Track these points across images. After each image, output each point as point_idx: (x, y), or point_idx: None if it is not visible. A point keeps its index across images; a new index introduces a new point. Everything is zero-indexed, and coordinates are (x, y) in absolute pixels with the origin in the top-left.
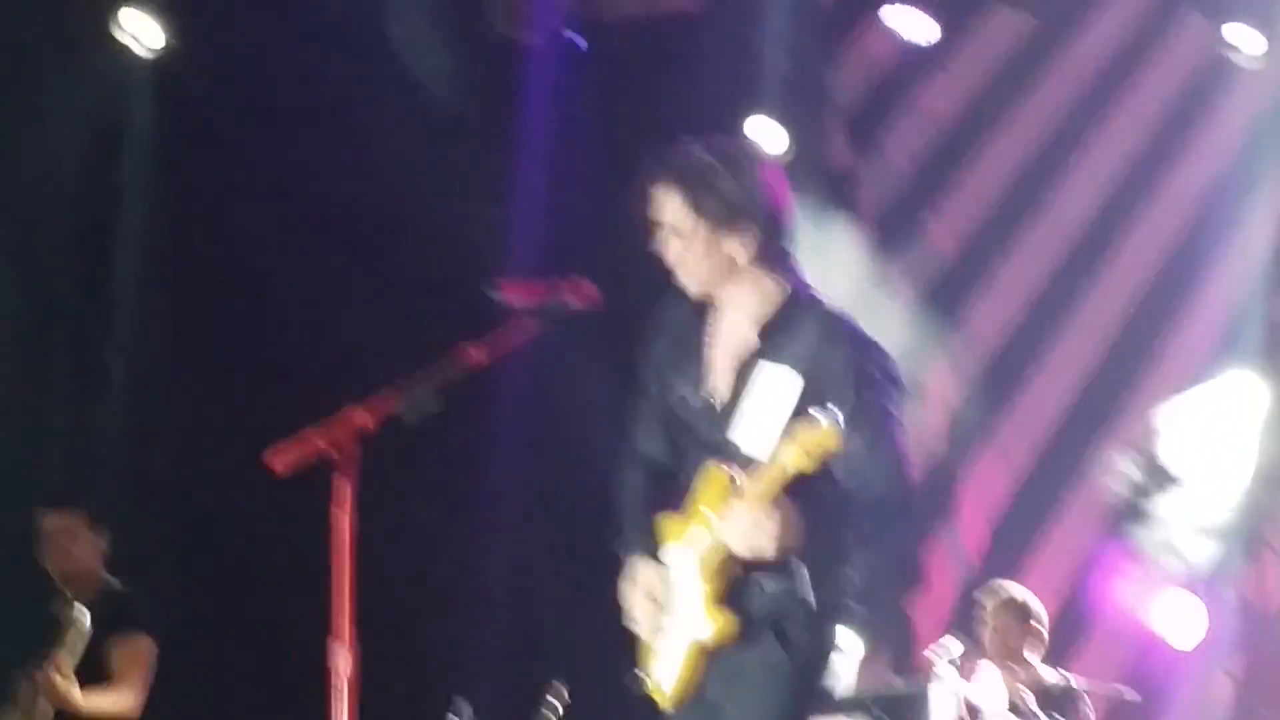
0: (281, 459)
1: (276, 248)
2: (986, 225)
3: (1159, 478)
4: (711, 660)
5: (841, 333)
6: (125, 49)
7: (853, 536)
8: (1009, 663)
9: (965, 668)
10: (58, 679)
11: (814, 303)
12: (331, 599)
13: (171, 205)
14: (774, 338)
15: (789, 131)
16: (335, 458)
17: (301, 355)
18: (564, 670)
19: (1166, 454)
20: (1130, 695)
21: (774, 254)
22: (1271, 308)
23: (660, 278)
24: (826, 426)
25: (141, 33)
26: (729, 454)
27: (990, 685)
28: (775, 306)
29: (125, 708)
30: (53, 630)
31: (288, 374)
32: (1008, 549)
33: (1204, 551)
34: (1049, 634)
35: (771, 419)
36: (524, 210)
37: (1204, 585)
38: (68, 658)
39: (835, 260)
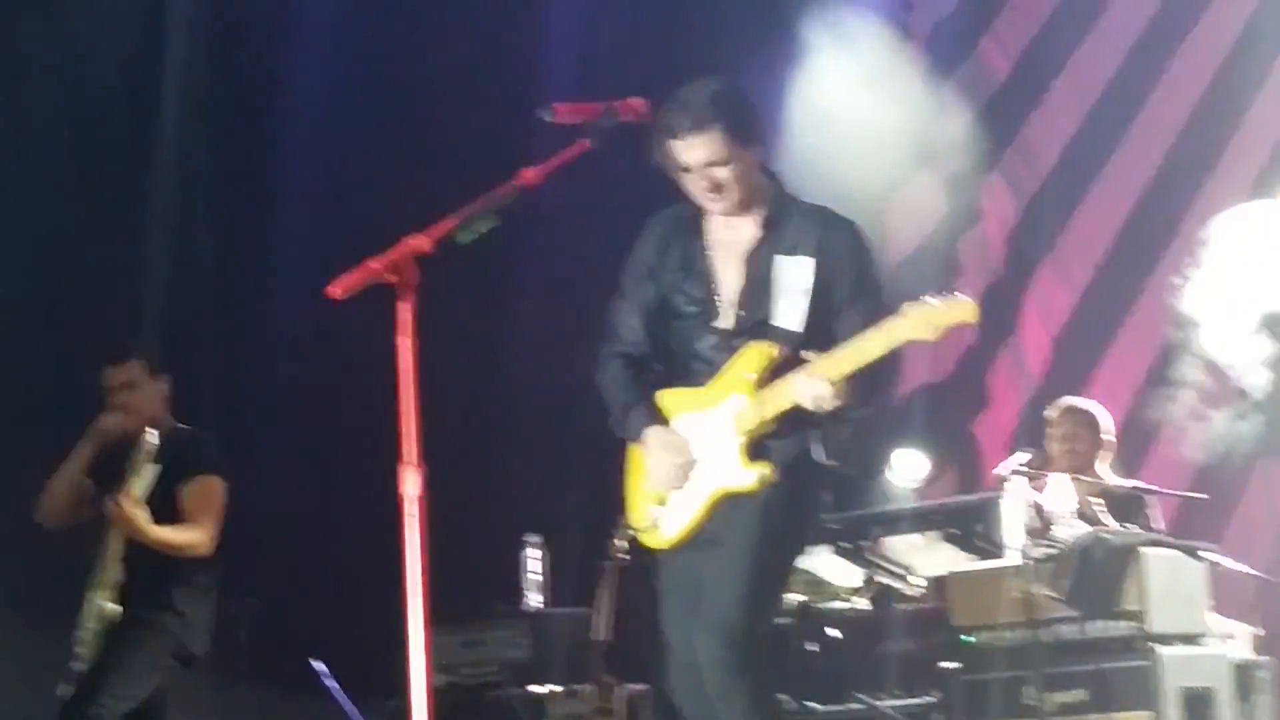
0: (340, 286)
1: (328, 91)
2: (1038, 41)
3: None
4: (721, 503)
5: (836, 221)
6: None
7: (874, 399)
8: (1077, 473)
9: (1034, 479)
10: (127, 504)
11: (796, 198)
12: (399, 424)
13: (217, 40)
14: (778, 231)
15: None
16: (394, 282)
17: (360, 193)
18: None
19: (1221, 270)
20: (1197, 496)
21: (766, 157)
22: None
23: None
24: (965, 303)
25: None
26: (760, 334)
27: (1059, 494)
28: (770, 202)
29: (197, 541)
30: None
31: (348, 211)
32: (1071, 364)
33: (1261, 365)
34: (1116, 443)
35: (798, 299)
36: (568, 34)
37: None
38: (138, 482)
39: (888, 82)
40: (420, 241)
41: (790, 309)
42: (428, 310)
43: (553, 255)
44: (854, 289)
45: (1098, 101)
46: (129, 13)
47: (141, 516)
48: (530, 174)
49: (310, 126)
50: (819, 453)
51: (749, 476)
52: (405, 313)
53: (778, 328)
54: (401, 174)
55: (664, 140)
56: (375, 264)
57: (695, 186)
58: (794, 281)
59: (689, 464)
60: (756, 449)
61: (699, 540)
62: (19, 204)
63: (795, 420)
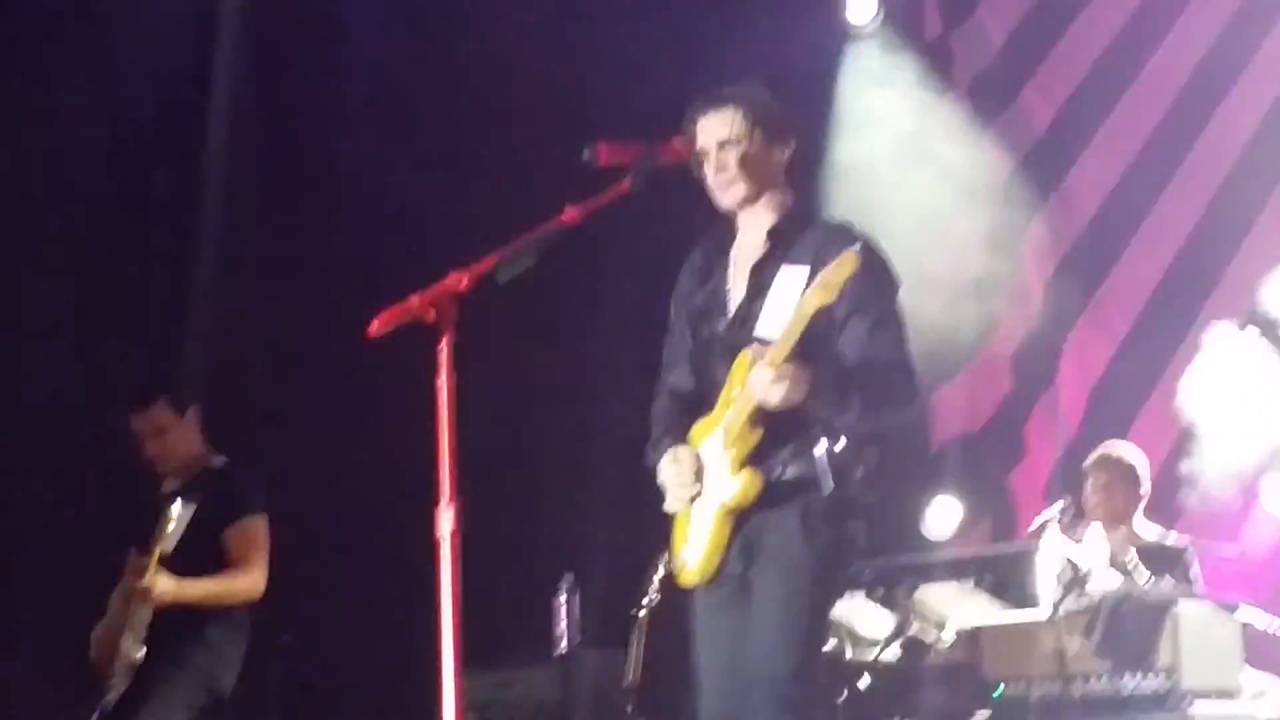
0: (378, 323)
1: (369, 126)
2: (1082, 91)
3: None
4: (736, 529)
5: (841, 233)
6: None
7: (860, 400)
8: (1114, 522)
9: (1070, 529)
10: (154, 586)
11: (816, 213)
12: (435, 461)
13: (263, 77)
14: (783, 241)
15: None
16: (432, 320)
17: (400, 229)
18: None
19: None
20: (1232, 551)
21: (797, 165)
22: None
23: None
24: (847, 253)
25: None
26: (751, 344)
27: (1095, 544)
28: (783, 214)
29: (250, 587)
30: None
31: (387, 248)
32: (1108, 415)
33: None
34: (1153, 494)
35: (787, 308)
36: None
37: None
38: (157, 554)
39: (928, 130)
40: (459, 279)
41: (774, 318)
42: (466, 347)
43: (593, 292)
44: (854, 301)
45: (1141, 150)
46: (174, 35)
47: (172, 590)
48: (572, 213)
49: (350, 161)
50: (825, 481)
51: (734, 485)
52: (443, 351)
53: (761, 338)
54: (442, 211)
55: (688, 129)
56: (414, 301)
57: (710, 177)
58: (785, 291)
59: (693, 478)
60: (749, 460)
61: (726, 578)
62: (59, 228)
63: (785, 426)
